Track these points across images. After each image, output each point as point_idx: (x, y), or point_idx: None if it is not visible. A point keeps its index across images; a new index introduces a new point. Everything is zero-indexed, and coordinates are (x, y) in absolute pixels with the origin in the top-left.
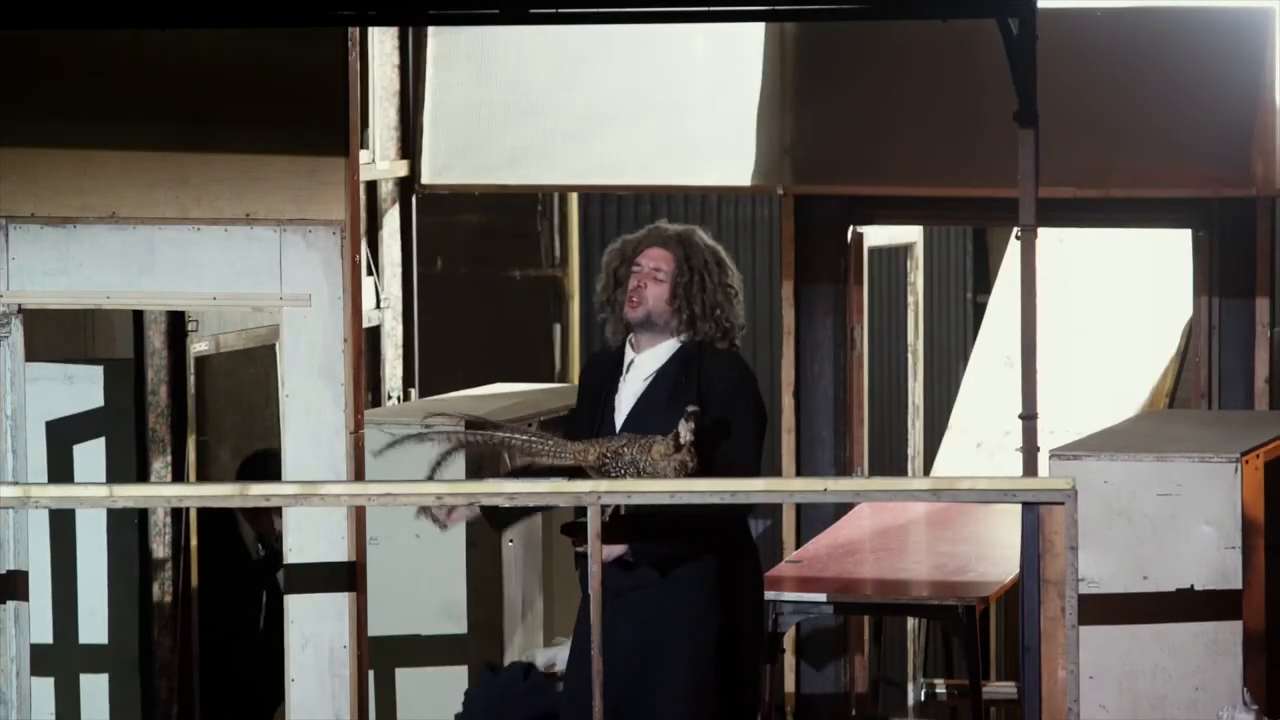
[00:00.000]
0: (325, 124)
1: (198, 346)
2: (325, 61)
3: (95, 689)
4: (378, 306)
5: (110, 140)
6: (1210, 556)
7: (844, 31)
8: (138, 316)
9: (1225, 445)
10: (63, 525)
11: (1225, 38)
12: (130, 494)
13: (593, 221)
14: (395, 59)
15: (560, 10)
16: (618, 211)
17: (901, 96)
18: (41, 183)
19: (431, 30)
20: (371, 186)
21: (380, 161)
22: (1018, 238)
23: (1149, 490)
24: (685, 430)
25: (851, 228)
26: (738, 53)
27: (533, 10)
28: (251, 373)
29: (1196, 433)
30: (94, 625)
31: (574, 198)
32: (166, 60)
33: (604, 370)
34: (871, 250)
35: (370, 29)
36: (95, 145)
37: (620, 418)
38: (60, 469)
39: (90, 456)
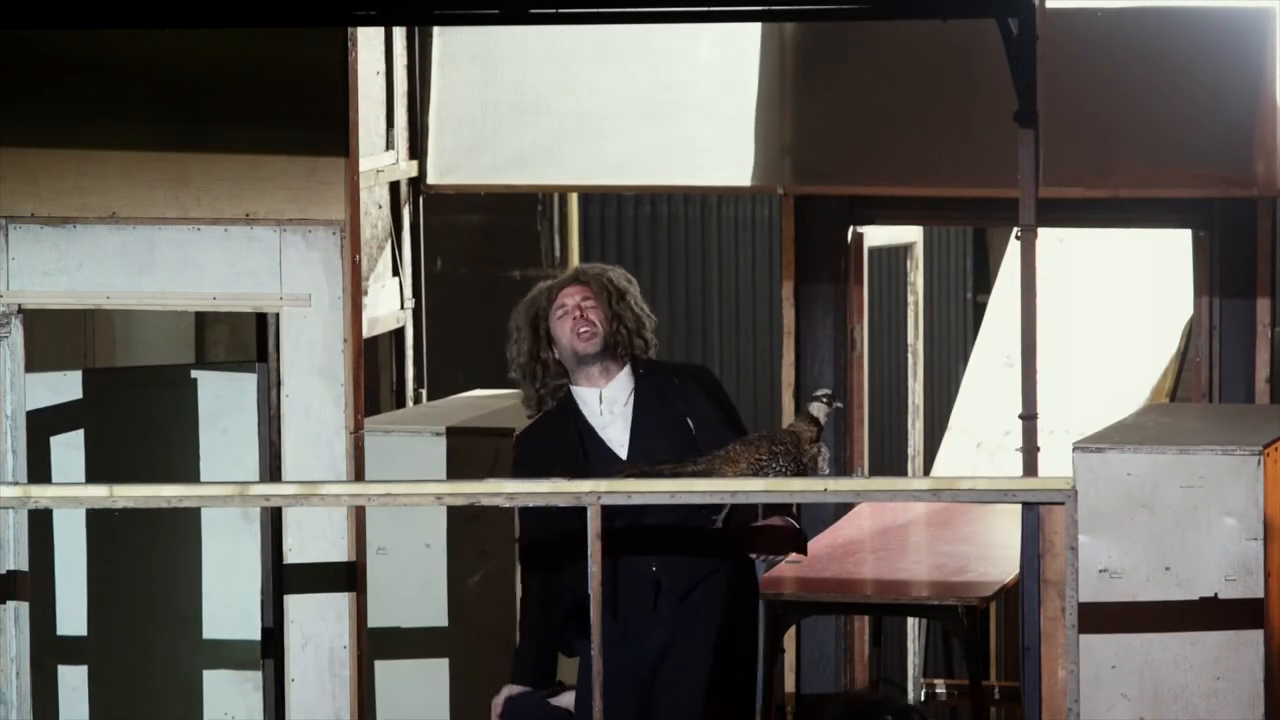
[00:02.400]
0: (325, 124)
1: None
2: (325, 61)
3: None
4: (403, 308)
5: (110, 140)
6: (1232, 548)
7: (844, 31)
8: (260, 319)
9: (1245, 438)
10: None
11: (1225, 38)
12: (130, 494)
13: (593, 222)
14: (404, 59)
15: (560, 10)
16: (617, 212)
17: (901, 96)
18: (41, 183)
19: (436, 30)
20: (395, 187)
21: (401, 162)
22: (1017, 238)
23: (1172, 482)
24: (820, 411)
25: (851, 228)
26: (738, 53)
27: (533, 10)
28: None
29: (1211, 426)
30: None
31: (574, 198)
32: (166, 60)
33: (559, 431)
34: (871, 250)
35: (392, 29)
36: (95, 145)
37: (623, 452)
38: (37, 461)
39: (67, 449)
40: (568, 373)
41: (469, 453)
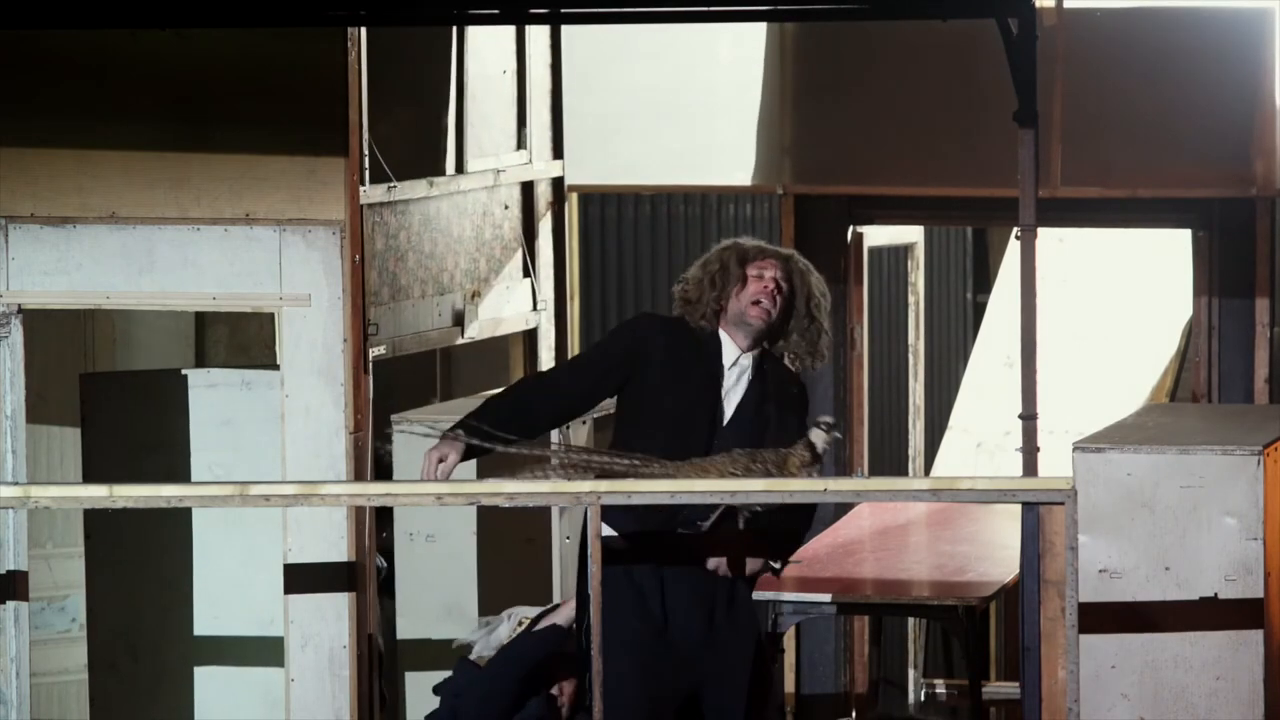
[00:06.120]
0: (325, 124)
1: (376, 350)
2: (325, 61)
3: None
4: (535, 309)
5: (110, 140)
6: (1232, 547)
7: (844, 31)
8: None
9: (1245, 438)
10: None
11: (1225, 38)
12: (130, 494)
13: (593, 221)
14: (548, 57)
15: (560, 10)
16: (618, 212)
17: (901, 96)
18: (41, 183)
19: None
20: (529, 187)
21: (537, 162)
22: (1017, 238)
23: (1172, 482)
24: (820, 439)
25: (851, 228)
26: (740, 54)
27: (532, 10)
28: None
29: (1211, 426)
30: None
31: (573, 197)
32: (166, 60)
33: (699, 345)
34: (871, 250)
35: (524, 29)
36: (95, 145)
37: (728, 416)
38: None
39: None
40: (707, 311)
41: None
